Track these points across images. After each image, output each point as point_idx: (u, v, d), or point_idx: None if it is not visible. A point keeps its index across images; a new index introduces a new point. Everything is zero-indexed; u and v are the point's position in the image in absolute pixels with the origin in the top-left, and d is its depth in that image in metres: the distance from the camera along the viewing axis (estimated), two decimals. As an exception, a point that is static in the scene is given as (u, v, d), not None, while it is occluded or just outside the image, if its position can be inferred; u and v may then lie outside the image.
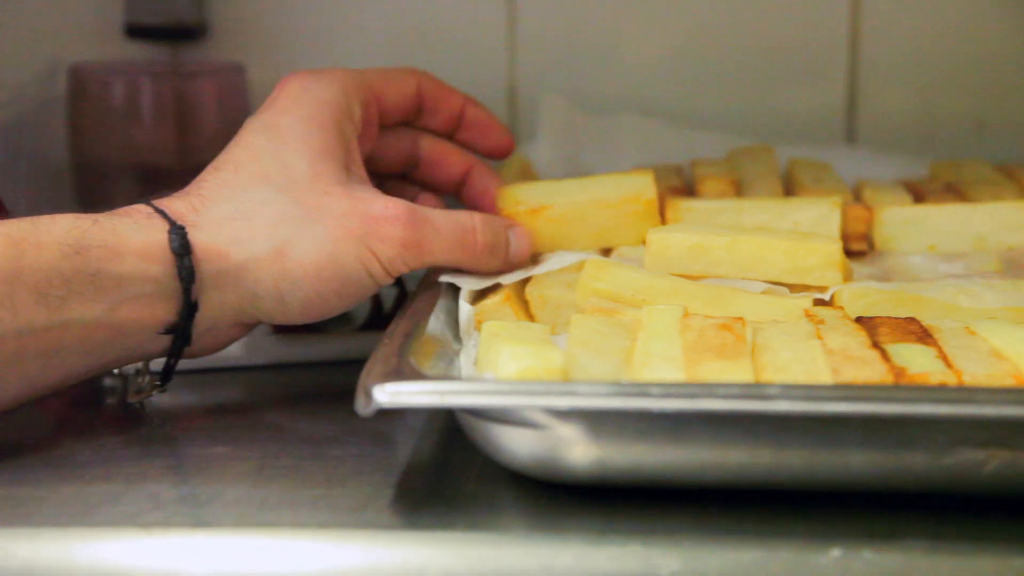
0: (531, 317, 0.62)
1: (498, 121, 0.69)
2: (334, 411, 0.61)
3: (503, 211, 0.66)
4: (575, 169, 0.82)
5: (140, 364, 0.60)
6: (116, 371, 0.63)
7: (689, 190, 0.77)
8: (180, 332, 0.56)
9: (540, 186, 0.68)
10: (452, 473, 0.53)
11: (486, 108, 0.69)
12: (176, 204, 0.57)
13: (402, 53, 0.93)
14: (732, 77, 0.93)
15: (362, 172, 0.62)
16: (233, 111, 0.86)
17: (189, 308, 0.56)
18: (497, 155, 0.69)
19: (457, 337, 0.60)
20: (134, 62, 0.90)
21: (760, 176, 0.76)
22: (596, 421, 0.48)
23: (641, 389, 0.47)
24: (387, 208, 0.59)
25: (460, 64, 0.93)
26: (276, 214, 0.57)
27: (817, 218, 0.67)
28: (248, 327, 0.60)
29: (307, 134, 0.60)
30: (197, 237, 0.56)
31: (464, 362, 0.57)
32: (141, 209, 0.57)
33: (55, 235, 0.53)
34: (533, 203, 0.66)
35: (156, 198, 0.58)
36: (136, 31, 0.92)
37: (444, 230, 0.60)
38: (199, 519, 0.49)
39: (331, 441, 0.57)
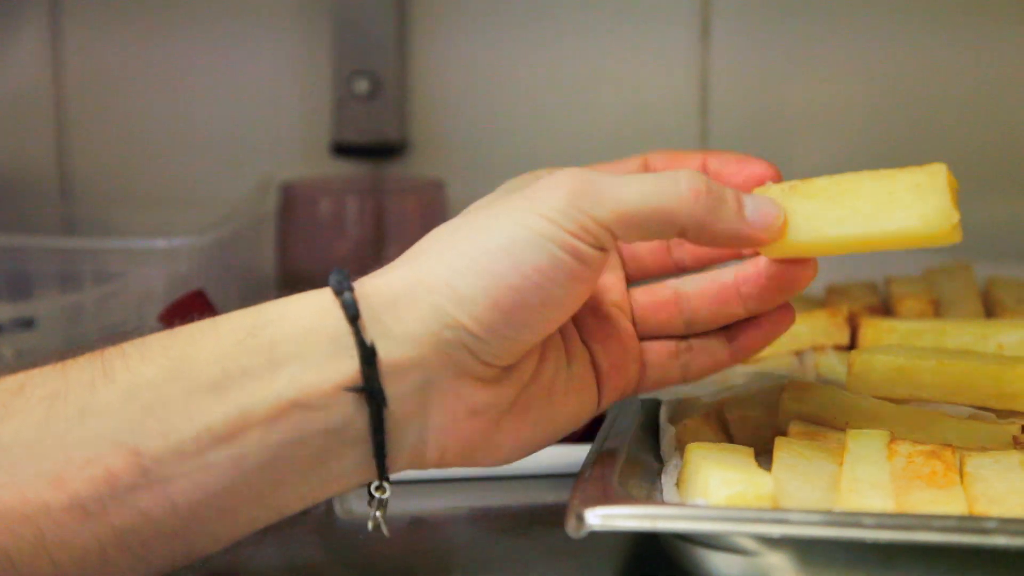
0: (730, 438, 0.62)
1: (751, 158, 0.57)
2: (532, 527, 0.62)
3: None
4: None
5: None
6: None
7: (885, 308, 0.77)
8: (369, 387, 0.49)
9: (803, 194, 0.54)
10: (659, 596, 0.54)
11: (731, 153, 0.58)
12: (358, 286, 0.52)
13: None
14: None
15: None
16: (433, 226, 0.89)
17: (367, 351, 0.49)
18: (756, 181, 0.56)
19: (656, 456, 0.61)
20: (340, 179, 0.94)
21: (959, 295, 0.76)
22: (806, 549, 0.49)
23: (854, 519, 0.47)
24: (550, 178, 0.51)
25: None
26: (444, 234, 0.52)
27: (1023, 341, 0.66)
28: (489, 393, 0.52)
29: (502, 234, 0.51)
30: (366, 284, 0.51)
31: (665, 483, 0.57)
32: (317, 289, 0.53)
33: (232, 322, 0.51)
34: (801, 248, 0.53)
35: None
36: (342, 149, 0.97)
37: (629, 178, 0.51)
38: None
39: (533, 560, 0.58)
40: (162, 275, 0.78)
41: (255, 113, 0.98)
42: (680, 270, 0.60)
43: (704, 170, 0.57)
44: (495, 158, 0.97)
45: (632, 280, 0.59)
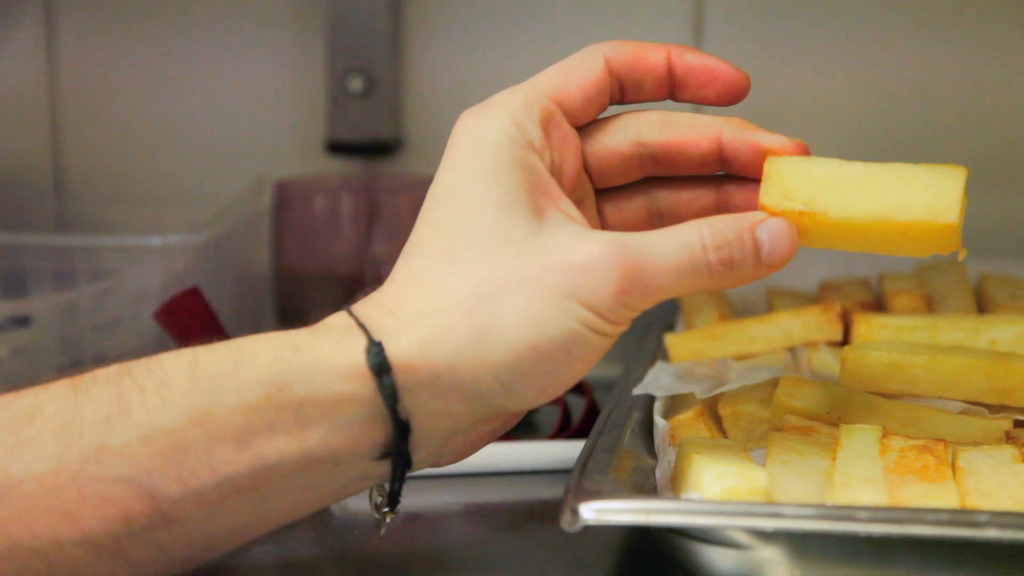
0: (723, 433, 0.62)
1: (716, 59, 0.55)
2: (527, 522, 0.62)
3: (764, 207, 0.53)
4: (760, 283, 0.83)
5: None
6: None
7: (878, 304, 0.77)
8: (396, 455, 0.50)
9: (815, 170, 0.53)
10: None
11: (695, 50, 0.55)
12: (373, 311, 0.51)
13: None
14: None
15: (566, 205, 0.53)
16: (427, 224, 0.89)
17: (400, 428, 0.50)
18: (729, 100, 0.56)
19: (651, 451, 0.61)
20: (334, 177, 0.95)
21: (952, 291, 0.76)
22: (800, 543, 0.49)
23: (847, 512, 0.47)
24: (591, 255, 0.50)
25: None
26: (470, 297, 0.50)
27: (1015, 336, 0.66)
28: (497, 423, 0.53)
29: (484, 189, 0.51)
30: (396, 346, 0.50)
31: (659, 478, 0.58)
32: (341, 322, 0.51)
33: (257, 372, 0.49)
34: (802, 201, 0.53)
35: (355, 300, 0.53)
36: (336, 147, 0.97)
37: (667, 259, 0.51)
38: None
39: (528, 555, 0.58)
40: (157, 272, 0.78)
41: (250, 111, 0.98)
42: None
43: (671, 72, 0.55)
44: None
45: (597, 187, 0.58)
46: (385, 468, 0.51)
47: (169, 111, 0.99)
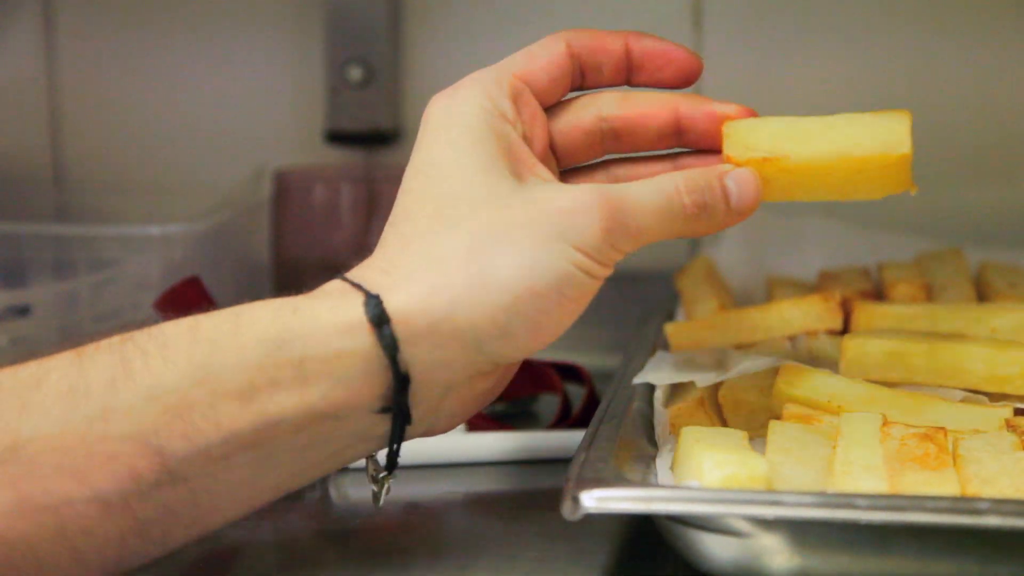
0: (724, 422, 0.62)
1: (671, 44, 0.58)
2: (527, 511, 0.62)
3: (729, 158, 0.57)
4: (760, 272, 0.83)
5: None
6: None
7: (878, 293, 0.77)
8: (397, 409, 0.52)
9: (772, 125, 0.57)
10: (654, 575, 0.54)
11: (653, 36, 0.59)
12: (367, 273, 0.53)
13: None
14: (918, 176, 0.93)
15: (541, 171, 0.56)
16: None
17: (400, 380, 0.51)
18: (683, 82, 0.59)
19: (651, 440, 0.61)
20: (334, 167, 0.95)
21: (952, 280, 0.76)
22: (800, 530, 0.49)
23: (847, 500, 0.47)
24: (575, 199, 0.53)
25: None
26: (463, 249, 0.52)
27: (1015, 325, 0.66)
28: (492, 379, 0.55)
29: (464, 157, 0.54)
30: (394, 300, 0.51)
31: (660, 466, 0.58)
32: (336, 287, 0.53)
33: (256, 332, 0.50)
34: (764, 149, 0.57)
35: (347, 271, 0.55)
36: (336, 137, 0.97)
37: (645, 202, 0.54)
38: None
39: (527, 543, 0.58)
40: (157, 262, 0.79)
41: (249, 101, 0.98)
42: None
43: (628, 56, 0.58)
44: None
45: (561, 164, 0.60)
46: (385, 425, 0.52)
47: (168, 101, 0.99)
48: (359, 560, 0.57)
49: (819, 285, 0.79)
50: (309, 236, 0.88)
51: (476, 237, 0.52)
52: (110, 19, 0.99)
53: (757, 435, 0.59)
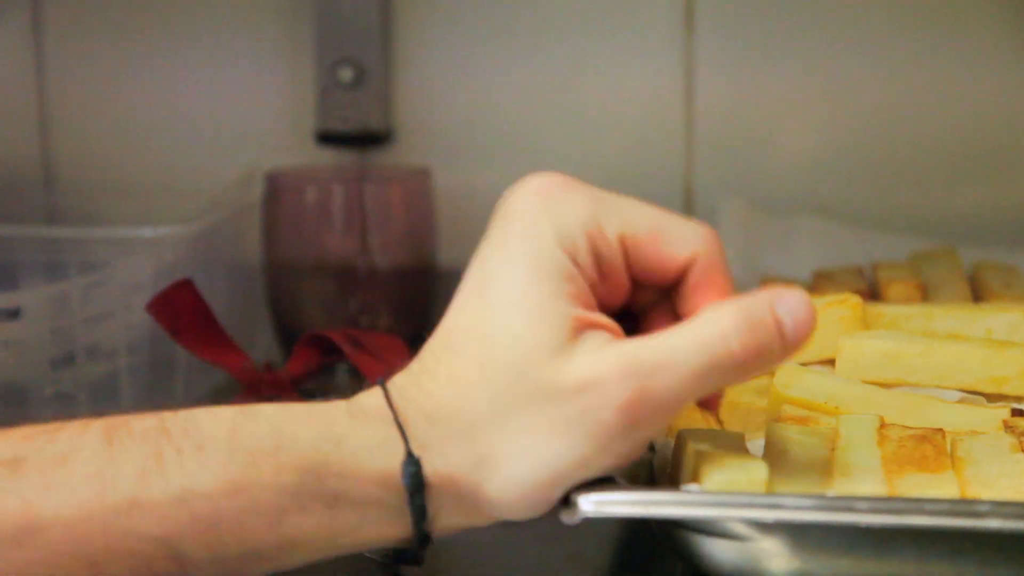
0: (720, 423, 0.62)
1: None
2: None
3: None
4: (753, 271, 0.83)
5: None
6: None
7: (872, 293, 0.77)
8: (412, 556, 0.52)
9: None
10: (653, 580, 0.54)
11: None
12: (411, 411, 0.51)
13: (582, 156, 0.95)
14: (911, 176, 0.93)
15: (593, 317, 0.50)
16: (419, 214, 0.89)
17: (421, 539, 0.51)
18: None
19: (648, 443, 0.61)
20: (325, 168, 0.94)
21: (946, 280, 0.76)
22: (799, 534, 0.49)
23: (847, 503, 0.47)
24: (596, 369, 0.48)
25: (637, 166, 0.95)
26: (497, 423, 0.50)
27: (1011, 325, 0.66)
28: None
29: (524, 292, 0.50)
30: (431, 466, 0.50)
31: (657, 470, 0.58)
32: (380, 412, 0.51)
33: (296, 458, 0.49)
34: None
35: (393, 374, 0.52)
36: (327, 138, 0.96)
37: (681, 361, 0.48)
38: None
39: (525, 548, 0.58)
40: (149, 264, 0.78)
41: (239, 102, 0.98)
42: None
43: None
44: (479, 145, 0.96)
45: None
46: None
47: (158, 102, 0.99)
48: (354, 561, 0.56)
49: (813, 286, 0.79)
50: (301, 237, 0.87)
51: (507, 409, 0.49)
52: (99, 21, 0.99)
53: (754, 436, 0.58)
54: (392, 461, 0.50)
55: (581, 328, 0.49)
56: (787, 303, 0.49)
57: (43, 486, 0.48)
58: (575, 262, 0.50)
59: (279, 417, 0.50)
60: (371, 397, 0.51)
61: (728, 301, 0.50)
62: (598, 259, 0.51)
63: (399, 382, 0.52)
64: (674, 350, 0.48)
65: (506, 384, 0.49)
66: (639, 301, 0.53)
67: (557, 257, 0.50)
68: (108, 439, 0.49)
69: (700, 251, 0.51)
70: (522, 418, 0.49)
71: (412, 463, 0.50)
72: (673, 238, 0.51)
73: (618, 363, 0.48)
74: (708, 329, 0.48)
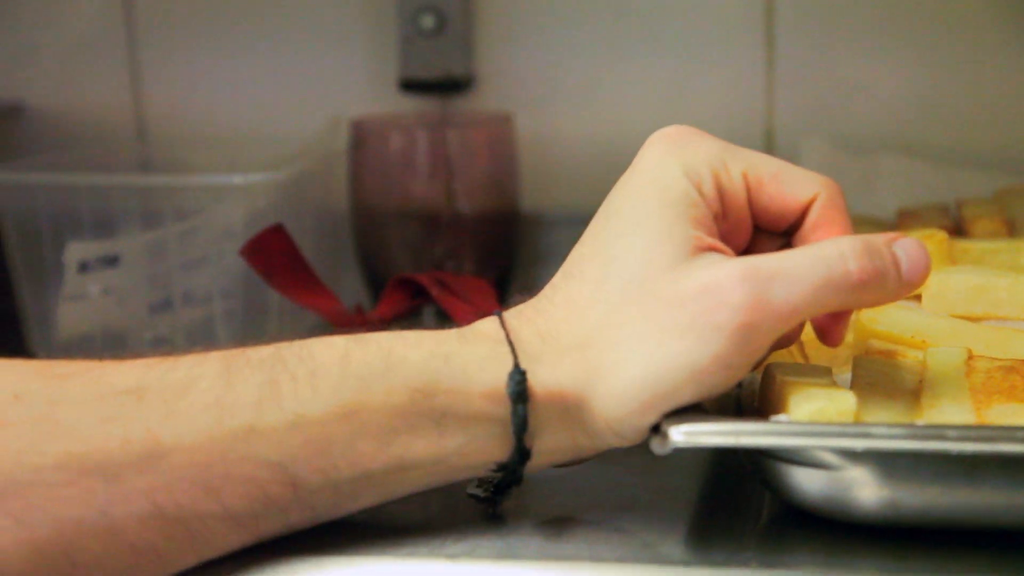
0: (805, 357, 0.63)
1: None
2: (614, 448, 0.63)
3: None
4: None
5: None
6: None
7: (958, 230, 0.77)
8: (511, 471, 0.53)
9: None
10: (741, 510, 0.55)
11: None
12: (525, 331, 0.52)
13: (662, 102, 0.95)
14: (995, 112, 0.92)
15: (714, 241, 0.51)
16: (501, 159, 0.90)
17: (522, 455, 0.52)
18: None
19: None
20: (409, 115, 0.95)
21: (1033, 215, 0.76)
22: (889, 463, 0.49)
23: (938, 431, 0.48)
24: (715, 275, 0.49)
25: (719, 109, 0.95)
26: (613, 335, 0.51)
27: (1098, 257, 0.66)
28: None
29: (647, 216, 0.51)
30: (538, 378, 0.51)
31: (744, 402, 0.58)
32: (492, 332, 0.52)
33: (405, 376, 0.50)
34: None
35: (510, 306, 0.54)
36: (410, 85, 0.97)
37: (800, 272, 0.49)
38: (502, 551, 0.52)
39: (614, 481, 0.59)
40: (241, 210, 0.80)
41: (323, 52, 0.99)
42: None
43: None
44: (560, 90, 0.97)
45: None
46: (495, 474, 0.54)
47: (245, 54, 1.00)
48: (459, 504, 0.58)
49: (898, 224, 0.79)
50: (387, 183, 0.88)
51: (625, 320, 0.50)
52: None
53: (841, 371, 0.59)
54: (500, 374, 0.51)
55: (702, 248, 0.50)
56: (904, 244, 0.51)
57: (165, 414, 0.49)
58: (700, 191, 0.52)
59: (390, 342, 0.51)
60: (485, 323, 0.53)
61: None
62: (721, 193, 0.52)
63: (515, 310, 0.53)
64: (793, 263, 0.49)
65: (621, 297, 0.50)
66: (758, 252, 0.54)
67: (682, 186, 0.51)
68: (227, 368, 0.50)
69: (821, 193, 0.53)
70: (637, 326, 0.50)
71: (518, 372, 0.51)
72: (795, 180, 0.53)
73: (737, 269, 0.49)
74: (827, 248, 0.50)
